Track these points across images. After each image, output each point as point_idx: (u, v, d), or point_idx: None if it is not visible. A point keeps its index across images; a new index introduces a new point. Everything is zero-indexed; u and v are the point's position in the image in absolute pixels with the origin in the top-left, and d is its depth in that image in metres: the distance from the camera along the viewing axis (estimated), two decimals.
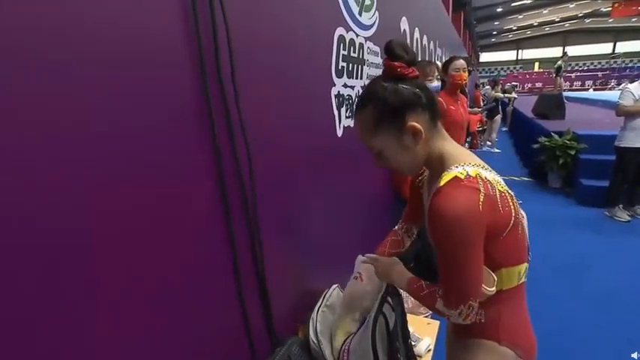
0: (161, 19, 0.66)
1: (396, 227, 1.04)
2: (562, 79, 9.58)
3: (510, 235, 0.71)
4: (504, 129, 10.08)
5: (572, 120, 6.01)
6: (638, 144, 3.32)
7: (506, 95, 8.75)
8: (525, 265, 0.78)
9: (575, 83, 25.58)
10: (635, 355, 1.86)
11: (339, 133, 1.47)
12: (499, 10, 26.48)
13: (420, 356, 1.28)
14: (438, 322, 1.48)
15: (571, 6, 25.95)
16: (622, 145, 3.44)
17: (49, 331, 0.48)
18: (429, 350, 1.32)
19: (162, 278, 0.67)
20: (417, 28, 2.95)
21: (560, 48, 31.01)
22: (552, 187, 4.87)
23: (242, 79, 0.84)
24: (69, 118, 0.50)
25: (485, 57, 36.91)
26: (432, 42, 3.88)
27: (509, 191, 0.73)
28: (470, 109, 4.26)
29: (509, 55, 36.87)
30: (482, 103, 7.83)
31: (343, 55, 1.47)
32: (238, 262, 0.86)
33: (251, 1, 0.91)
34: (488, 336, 0.79)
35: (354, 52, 1.58)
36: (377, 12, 1.83)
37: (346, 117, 1.52)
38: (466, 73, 2.37)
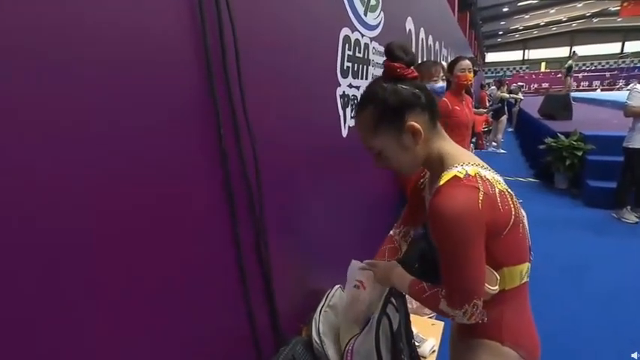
0: (168, 19, 0.66)
1: (392, 233, 1.03)
2: (572, 79, 9.46)
3: (511, 234, 0.71)
4: (510, 129, 10.01)
5: (579, 120, 5.95)
6: None
7: (512, 96, 8.69)
8: (527, 264, 0.78)
9: (582, 83, 25.32)
10: (635, 355, 1.85)
11: (344, 133, 1.47)
12: (505, 9, 26.30)
13: (425, 357, 1.28)
14: (442, 323, 1.47)
15: (579, 5, 25.70)
16: (631, 146, 3.40)
17: (49, 331, 0.48)
18: (434, 351, 1.32)
19: (168, 279, 0.67)
20: (422, 28, 2.94)
21: (568, 48, 30.76)
22: (559, 189, 4.82)
23: (247, 80, 0.84)
24: (71, 118, 0.50)
25: (491, 57, 36.67)
26: (437, 42, 3.86)
27: (509, 190, 0.74)
28: (475, 110, 4.25)
29: (515, 55, 36.60)
30: (487, 104, 7.79)
31: (348, 55, 1.47)
32: (244, 263, 0.87)
33: (256, 1, 0.91)
34: (491, 336, 0.79)
35: (360, 52, 1.58)
36: (382, 12, 1.82)
37: (351, 117, 1.52)
38: (471, 74, 2.35)
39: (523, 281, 0.78)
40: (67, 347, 0.51)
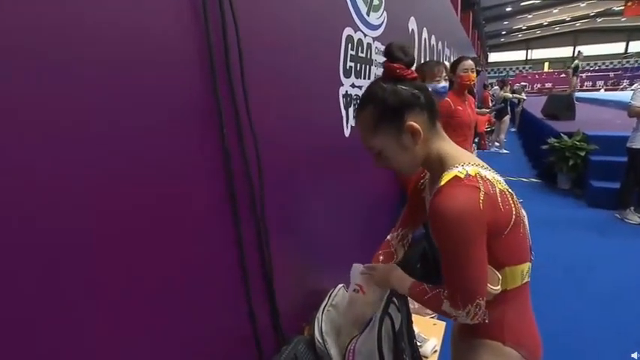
0: (171, 19, 0.66)
1: (388, 237, 1.02)
2: (577, 79, 9.38)
3: (512, 234, 0.72)
4: (513, 130, 9.98)
5: (582, 121, 5.93)
6: None
7: (514, 96, 8.66)
8: (528, 264, 0.78)
9: (585, 84, 25.20)
10: (635, 355, 1.84)
11: (347, 133, 1.47)
12: (508, 9, 26.23)
13: (426, 357, 1.28)
14: (444, 323, 1.47)
15: (582, 5, 25.59)
16: (634, 147, 3.38)
17: (49, 331, 0.48)
18: (435, 351, 1.32)
19: (169, 278, 0.67)
20: (425, 28, 2.93)
21: (571, 48, 30.66)
22: (562, 189, 4.81)
23: (251, 79, 0.84)
24: (71, 118, 0.50)
25: (493, 57, 36.58)
26: (440, 42, 3.85)
27: (509, 190, 0.74)
28: (478, 110, 4.23)
29: (518, 55, 36.50)
30: (490, 104, 7.76)
31: (351, 55, 1.47)
32: (246, 263, 0.87)
33: (259, 1, 0.91)
34: (492, 336, 0.79)
35: (362, 52, 1.58)
36: (385, 12, 1.82)
37: (354, 117, 1.52)
38: (474, 74, 2.35)
39: (524, 281, 0.78)
40: (67, 347, 0.51)
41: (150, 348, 0.65)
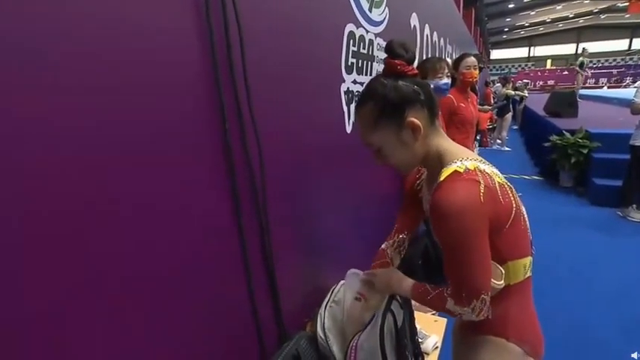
0: (174, 17, 0.66)
1: (383, 246, 1.01)
2: (582, 76, 9.30)
3: (513, 227, 0.72)
4: (515, 127, 9.94)
5: (585, 118, 5.91)
6: None
7: (517, 93, 8.62)
8: (530, 258, 0.78)
9: (588, 81, 25.06)
10: (635, 355, 1.84)
11: (349, 129, 1.47)
12: (511, 6, 26.08)
13: (427, 353, 1.28)
14: (445, 320, 1.47)
15: (586, 1, 25.43)
16: (637, 144, 3.37)
17: (48, 331, 0.48)
18: (436, 347, 1.32)
19: (171, 273, 0.67)
20: (427, 25, 2.91)
21: (574, 45, 30.48)
22: (564, 187, 4.80)
23: (252, 76, 0.84)
24: (73, 118, 0.50)
25: (496, 54, 36.40)
26: (442, 38, 3.83)
27: (508, 183, 0.74)
28: (480, 107, 4.21)
29: (520, 52, 36.31)
30: (492, 101, 7.74)
31: (353, 51, 1.46)
32: (249, 259, 0.87)
33: None
34: (496, 333, 0.79)
35: (364, 48, 1.57)
36: (387, 8, 1.81)
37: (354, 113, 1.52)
38: (477, 71, 2.34)
39: (527, 275, 0.78)
40: (65, 348, 0.51)
41: (153, 342, 0.65)
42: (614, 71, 26.48)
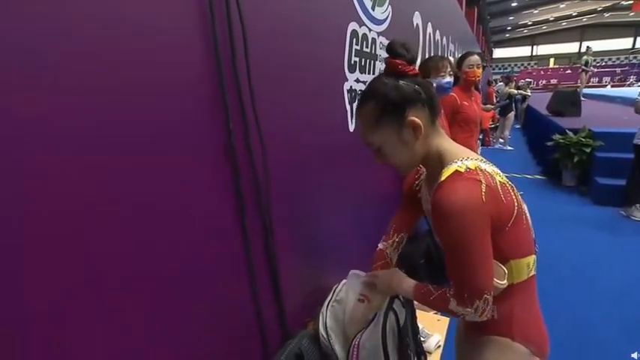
0: (178, 17, 0.66)
1: (381, 246, 1.00)
2: (587, 75, 9.22)
3: (515, 226, 0.72)
4: (517, 126, 9.91)
5: (588, 117, 5.88)
6: None
7: (519, 92, 8.59)
8: (533, 257, 0.77)
9: (592, 80, 24.92)
10: (635, 355, 1.84)
11: (352, 128, 1.47)
12: (514, 4, 25.94)
13: (430, 352, 1.28)
14: (447, 319, 1.47)
15: (589, 0, 25.23)
16: None
17: (48, 331, 0.49)
18: (439, 346, 1.32)
19: (174, 272, 0.68)
20: (429, 23, 2.90)
21: (577, 43, 30.30)
22: (566, 186, 4.78)
23: (255, 76, 0.84)
24: (75, 118, 0.50)
25: (498, 53, 36.19)
26: (444, 37, 3.82)
27: (509, 182, 0.74)
28: (482, 106, 4.20)
29: (523, 51, 36.10)
30: (495, 100, 7.71)
31: (356, 50, 1.46)
32: (252, 259, 0.87)
33: None
34: (501, 333, 0.78)
35: (367, 47, 1.57)
36: (390, 6, 1.81)
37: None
38: (480, 70, 2.33)
39: (530, 274, 0.77)
40: (72, 342, 0.51)
41: (157, 341, 0.65)
42: (618, 70, 26.30)
